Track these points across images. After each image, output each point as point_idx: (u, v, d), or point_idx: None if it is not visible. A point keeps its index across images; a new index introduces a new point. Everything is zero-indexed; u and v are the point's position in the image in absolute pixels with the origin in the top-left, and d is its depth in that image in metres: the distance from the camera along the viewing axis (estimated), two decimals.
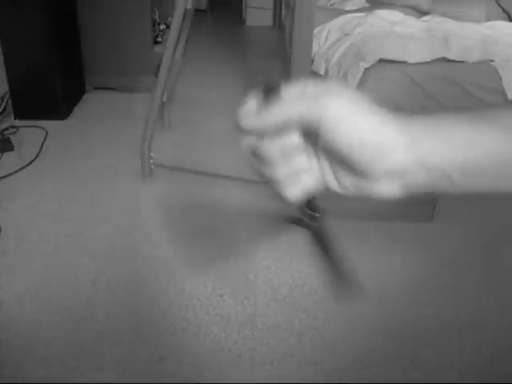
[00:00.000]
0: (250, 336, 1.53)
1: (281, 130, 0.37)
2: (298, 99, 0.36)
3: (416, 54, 2.05)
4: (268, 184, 0.41)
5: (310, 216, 0.43)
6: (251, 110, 0.39)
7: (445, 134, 0.36)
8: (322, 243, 0.46)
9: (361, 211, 2.02)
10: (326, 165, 0.40)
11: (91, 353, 1.45)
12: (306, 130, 0.37)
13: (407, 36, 2.22)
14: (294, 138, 0.38)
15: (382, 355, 1.49)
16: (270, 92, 0.37)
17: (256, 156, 0.41)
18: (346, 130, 0.35)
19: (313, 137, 0.37)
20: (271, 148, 0.39)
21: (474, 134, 0.36)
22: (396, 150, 0.36)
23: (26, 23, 2.50)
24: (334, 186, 0.41)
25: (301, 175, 0.40)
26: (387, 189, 0.38)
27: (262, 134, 0.39)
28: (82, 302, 1.62)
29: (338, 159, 0.37)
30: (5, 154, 2.37)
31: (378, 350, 1.50)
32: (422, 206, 2.02)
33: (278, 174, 0.40)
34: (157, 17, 3.28)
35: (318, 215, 0.43)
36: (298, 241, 1.92)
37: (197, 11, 3.87)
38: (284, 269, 1.77)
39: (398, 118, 0.37)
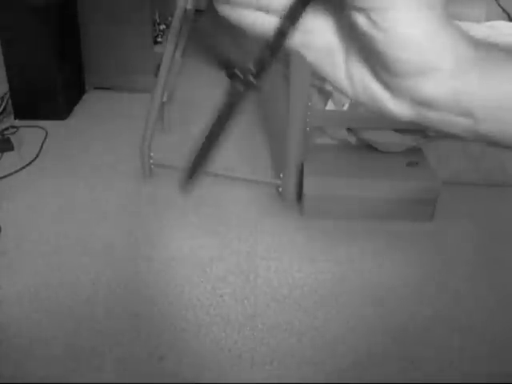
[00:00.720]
0: (250, 336, 1.53)
1: None
2: None
3: None
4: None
5: (244, 72, 0.32)
6: None
7: (500, 76, 0.30)
8: (223, 114, 0.35)
9: (361, 211, 2.02)
10: (340, 48, 0.33)
11: (91, 353, 1.46)
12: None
13: None
14: None
15: (382, 355, 1.49)
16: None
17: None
18: (400, 19, 0.28)
19: (344, 14, 0.30)
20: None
21: None
22: (438, 70, 0.30)
23: (25, 23, 2.49)
24: (336, 73, 0.33)
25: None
26: (402, 111, 0.32)
27: None
28: (82, 301, 1.62)
29: (369, 49, 0.31)
30: (5, 153, 2.37)
31: (378, 350, 1.50)
32: (422, 206, 2.02)
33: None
34: (157, 17, 3.28)
35: (252, 80, 0.32)
36: (298, 241, 1.92)
37: (197, 11, 3.87)
38: (284, 269, 1.77)
39: (460, 30, 0.30)
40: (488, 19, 2.61)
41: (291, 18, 0.31)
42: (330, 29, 0.33)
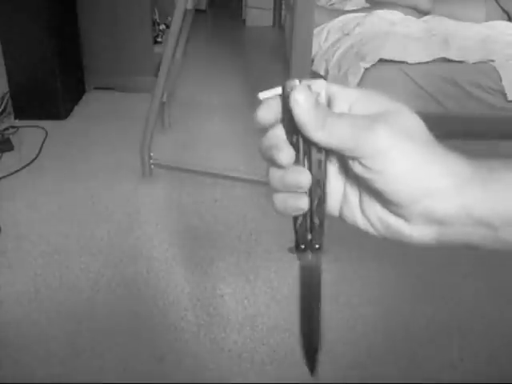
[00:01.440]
0: (250, 336, 1.53)
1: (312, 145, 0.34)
2: (345, 123, 0.32)
3: (416, 54, 2.05)
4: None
5: (307, 244, 0.39)
6: (270, 112, 0.35)
7: (502, 182, 0.32)
8: (309, 287, 0.42)
9: None
10: (353, 191, 0.36)
11: (91, 353, 1.46)
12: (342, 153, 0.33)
13: (407, 36, 2.22)
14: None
15: (382, 355, 1.49)
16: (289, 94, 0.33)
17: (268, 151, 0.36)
18: (388, 160, 0.31)
19: (347, 162, 0.34)
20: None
21: None
22: (441, 191, 0.32)
23: (25, 23, 2.50)
24: (356, 218, 0.37)
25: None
26: (421, 235, 0.34)
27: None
28: (82, 301, 1.62)
29: (372, 189, 0.34)
30: (5, 153, 2.37)
31: (378, 349, 1.50)
32: None
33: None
34: (157, 17, 3.28)
35: (317, 246, 0.38)
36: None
37: (197, 11, 3.87)
38: (284, 269, 1.77)
39: (451, 153, 0.33)
40: (488, 19, 2.61)
41: (323, 185, 0.35)
42: (339, 178, 0.37)
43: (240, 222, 2.00)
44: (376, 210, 0.35)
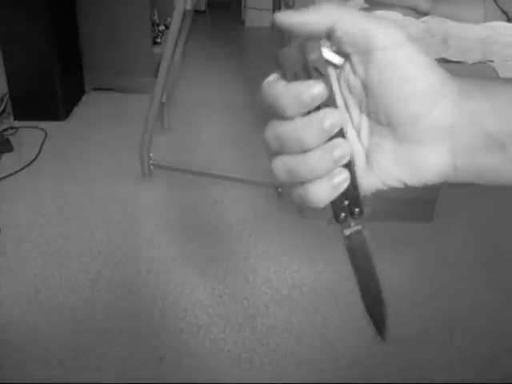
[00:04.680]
0: (250, 336, 1.53)
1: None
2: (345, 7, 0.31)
3: None
4: (282, 188, 0.36)
5: (346, 211, 0.35)
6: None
7: (501, 97, 0.31)
8: (360, 254, 0.39)
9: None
10: (372, 148, 0.33)
11: (91, 353, 1.46)
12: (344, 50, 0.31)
13: None
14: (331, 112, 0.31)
15: (382, 355, 1.49)
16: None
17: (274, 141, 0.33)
18: (394, 63, 0.30)
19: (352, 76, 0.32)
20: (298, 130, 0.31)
21: None
22: (446, 96, 0.31)
23: (25, 24, 2.50)
24: (377, 176, 0.34)
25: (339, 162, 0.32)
26: (436, 154, 0.32)
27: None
28: (82, 302, 1.62)
29: (381, 112, 0.32)
30: (4, 154, 2.37)
31: (378, 349, 1.51)
32: (422, 206, 2.02)
33: (306, 166, 0.32)
34: (156, 18, 3.28)
35: (357, 210, 0.35)
36: (297, 241, 1.92)
37: (196, 12, 3.87)
38: (283, 269, 1.77)
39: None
40: (486, 20, 2.61)
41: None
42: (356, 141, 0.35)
43: (239, 223, 2.00)
44: (390, 150, 0.33)
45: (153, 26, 3.17)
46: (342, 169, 0.33)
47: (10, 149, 2.40)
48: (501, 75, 1.99)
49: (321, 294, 1.68)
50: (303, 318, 1.59)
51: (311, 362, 1.46)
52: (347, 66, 0.33)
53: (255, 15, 4.70)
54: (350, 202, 0.35)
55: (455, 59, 2.05)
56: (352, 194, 0.34)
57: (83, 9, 2.88)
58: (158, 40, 3.23)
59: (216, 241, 1.90)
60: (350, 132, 0.34)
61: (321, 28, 0.32)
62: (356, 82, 0.32)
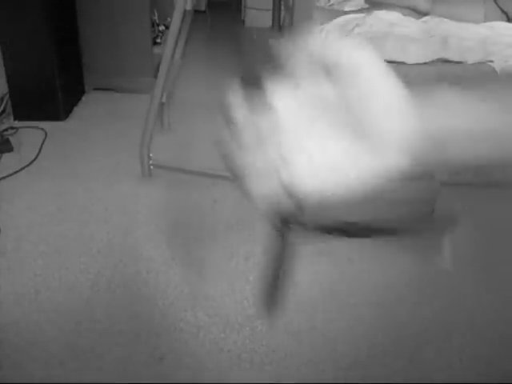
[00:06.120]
0: (250, 337, 1.53)
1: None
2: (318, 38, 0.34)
3: (415, 54, 2.05)
4: (237, 180, 0.37)
5: (282, 224, 0.38)
6: (237, 100, 0.36)
7: (442, 101, 0.36)
8: (278, 262, 0.40)
9: (360, 211, 2.03)
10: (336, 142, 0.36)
11: (91, 353, 1.46)
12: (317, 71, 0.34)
13: (406, 37, 2.23)
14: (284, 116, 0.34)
15: (382, 355, 1.49)
16: (251, 82, 0.34)
17: (232, 140, 0.37)
18: (361, 81, 0.33)
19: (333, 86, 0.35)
20: (252, 131, 0.35)
21: (469, 102, 0.36)
22: (406, 113, 0.35)
23: (25, 24, 2.50)
24: (343, 171, 0.36)
25: (281, 166, 0.35)
26: (397, 161, 0.37)
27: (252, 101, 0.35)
28: (82, 302, 1.62)
29: (352, 124, 0.35)
30: (4, 154, 2.37)
31: (378, 350, 1.51)
32: (421, 206, 2.02)
33: (252, 164, 0.35)
34: (156, 18, 3.28)
35: (289, 226, 0.38)
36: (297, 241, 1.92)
37: (196, 12, 3.87)
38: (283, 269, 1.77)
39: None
40: (486, 20, 2.61)
41: None
42: None
43: (239, 223, 2.00)
44: (359, 154, 0.37)
45: (153, 26, 3.17)
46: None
47: (9, 149, 2.40)
48: (500, 75, 1.99)
49: (321, 294, 1.68)
50: (303, 318, 1.59)
51: (311, 362, 1.46)
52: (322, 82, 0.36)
53: (255, 15, 4.70)
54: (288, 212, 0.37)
55: (455, 59, 2.05)
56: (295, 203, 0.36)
57: (83, 9, 2.88)
58: (158, 40, 3.23)
59: (216, 241, 1.90)
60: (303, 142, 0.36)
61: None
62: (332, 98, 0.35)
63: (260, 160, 0.35)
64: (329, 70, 0.34)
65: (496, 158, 0.38)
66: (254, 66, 0.34)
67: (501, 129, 0.36)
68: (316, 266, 1.79)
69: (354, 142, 0.35)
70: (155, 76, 2.19)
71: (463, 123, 0.36)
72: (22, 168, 2.28)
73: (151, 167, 2.22)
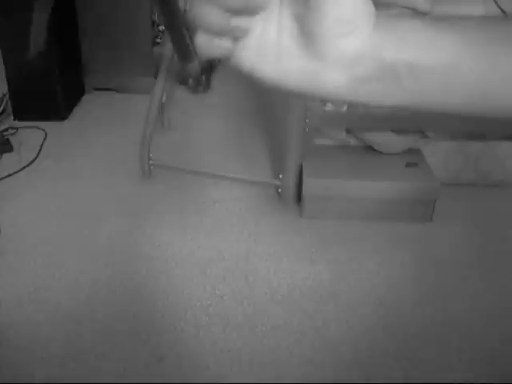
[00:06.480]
0: (250, 336, 1.53)
1: None
2: None
3: None
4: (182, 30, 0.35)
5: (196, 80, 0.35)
6: None
7: (403, 29, 0.34)
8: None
9: (360, 212, 2.03)
10: (282, 22, 0.34)
11: (91, 353, 1.46)
12: None
13: None
14: None
15: (382, 355, 1.49)
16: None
17: None
18: None
19: None
20: None
21: (432, 33, 0.34)
22: (358, 30, 0.33)
23: (25, 24, 2.50)
24: (274, 51, 0.35)
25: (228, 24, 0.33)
26: (335, 78, 0.34)
27: None
28: (82, 302, 1.62)
29: (301, 16, 0.33)
30: (4, 154, 2.37)
31: (378, 349, 1.51)
32: (421, 206, 2.03)
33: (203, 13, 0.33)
34: (156, 18, 3.28)
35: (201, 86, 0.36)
36: (297, 241, 1.92)
37: None
38: (283, 269, 1.77)
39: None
40: None
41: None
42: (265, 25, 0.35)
43: (239, 223, 2.00)
44: (294, 53, 0.34)
45: (153, 26, 3.17)
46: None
47: (9, 149, 2.40)
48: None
49: (321, 294, 1.68)
50: (303, 318, 1.59)
51: (311, 362, 1.46)
52: None
53: None
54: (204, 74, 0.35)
55: None
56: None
57: (83, 9, 2.88)
58: (158, 40, 3.23)
59: (216, 241, 1.90)
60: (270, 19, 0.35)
61: None
62: None
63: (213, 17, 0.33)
64: None
65: (447, 101, 0.35)
66: None
67: (464, 67, 0.33)
68: (316, 265, 1.79)
69: (299, 37, 0.34)
70: (155, 76, 2.19)
71: (423, 54, 0.33)
72: (22, 168, 2.28)
73: (151, 167, 2.22)
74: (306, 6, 0.33)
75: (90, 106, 2.92)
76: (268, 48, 0.35)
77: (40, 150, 2.43)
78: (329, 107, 2.17)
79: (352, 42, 0.33)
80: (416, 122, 2.04)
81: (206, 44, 0.34)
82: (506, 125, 1.98)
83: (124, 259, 1.80)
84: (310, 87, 0.35)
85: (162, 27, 3.31)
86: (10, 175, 2.23)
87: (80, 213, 2.04)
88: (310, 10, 0.32)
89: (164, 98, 2.40)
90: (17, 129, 2.55)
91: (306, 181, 1.98)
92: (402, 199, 2.01)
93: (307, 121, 2.01)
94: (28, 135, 2.53)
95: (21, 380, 1.39)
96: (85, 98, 2.99)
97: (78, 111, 2.84)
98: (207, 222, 2.01)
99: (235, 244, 1.89)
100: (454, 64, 0.33)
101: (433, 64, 0.33)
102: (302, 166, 2.03)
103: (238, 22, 0.33)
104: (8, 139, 2.45)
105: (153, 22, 3.18)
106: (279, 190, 2.12)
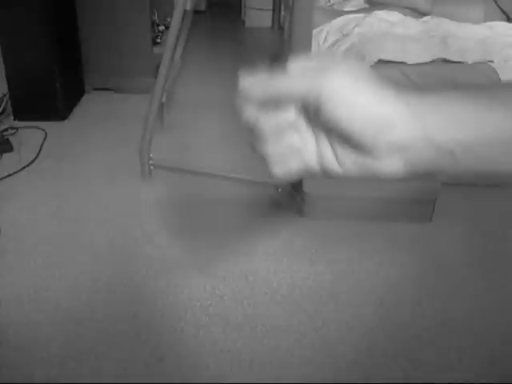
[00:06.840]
0: (250, 336, 1.53)
1: (281, 103, 0.37)
2: (300, 74, 0.36)
3: (415, 54, 2.05)
4: (261, 160, 0.40)
5: (291, 196, 0.42)
6: (255, 81, 0.38)
7: (450, 109, 0.35)
8: None
9: (360, 212, 2.03)
10: (325, 143, 0.39)
11: (91, 353, 1.46)
12: (306, 106, 0.37)
13: (406, 37, 2.23)
14: (291, 115, 0.38)
15: (382, 355, 1.49)
16: (275, 63, 0.37)
17: (253, 130, 0.41)
18: (347, 105, 0.35)
19: (313, 114, 0.37)
20: (267, 123, 0.39)
21: (478, 110, 0.35)
22: (399, 123, 0.35)
23: (25, 24, 2.50)
24: (333, 165, 0.40)
25: (291, 154, 0.39)
26: (390, 166, 0.38)
27: (262, 106, 0.38)
28: (82, 302, 1.62)
29: (339, 136, 0.37)
30: (4, 154, 2.37)
31: (378, 350, 1.51)
32: (421, 206, 2.02)
33: (269, 151, 0.39)
34: (156, 18, 3.28)
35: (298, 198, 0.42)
36: (297, 241, 1.92)
37: (196, 12, 3.87)
38: (283, 269, 1.77)
39: (402, 93, 0.36)
40: (486, 20, 2.61)
41: None
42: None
43: (239, 223, 2.00)
44: (348, 154, 0.38)
45: (153, 26, 3.17)
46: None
47: (9, 149, 2.40)
48: (501, 75, 1.99)
49: (321, 294, 1.68)
50: (303, 318, 1.59)
51: (311, 362, 1.46)
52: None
53: (255, 15, 4.70)
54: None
55: (455, 59, 2.05)
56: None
57: (83, 9, 2.88)
58: (158, 40, 3.23)
59: (216, 241, 1.90)
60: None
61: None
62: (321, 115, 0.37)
63: (278, 146, 0.39)
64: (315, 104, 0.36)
65: (505, 167, 0.37)
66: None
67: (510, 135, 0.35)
68: (316, 266, 1.79)
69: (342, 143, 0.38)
70: (155, 76, 2.19)
71: (472, 131, 0.35)
72: (22, 168, 2.28)
73: (151, 167, 2.22)
74: (338, 130, 0.36)
75: (90, 106, 2.92)
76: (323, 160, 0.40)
77: (40, 150, 2.43)
78: None
79: (397, 135, 0.35)
80: None
81: (282, 173, 0.39)
82: None
83: (124, 259, 1.80)
84: (368, 175, 0.39)
85: (161, 27, 3.32)
86: (9, 175, 2.23)
87: (80, 213, 2.04)
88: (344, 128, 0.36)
89: (164, 98, 2.40)
90: (17, 129, 2.55)
91: (307, 181, 1.98)
92: (402, 199, 2.01)
93: None
94: (28, 135, 2.53)
95: (21, 380, 1.39)
96: (85, 98, 2.99)
97: (77, 111, 2.84)
98: (206, 222, 2.00)
99: (235, 244, 1.89)
100: (505, 135, 0.35)
101: (486, 140, 0.35)
102: None
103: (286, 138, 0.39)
104: (8, 139, 2.45)
105: (153, 22, 3.18)
106: (279, 189, 2.12)
